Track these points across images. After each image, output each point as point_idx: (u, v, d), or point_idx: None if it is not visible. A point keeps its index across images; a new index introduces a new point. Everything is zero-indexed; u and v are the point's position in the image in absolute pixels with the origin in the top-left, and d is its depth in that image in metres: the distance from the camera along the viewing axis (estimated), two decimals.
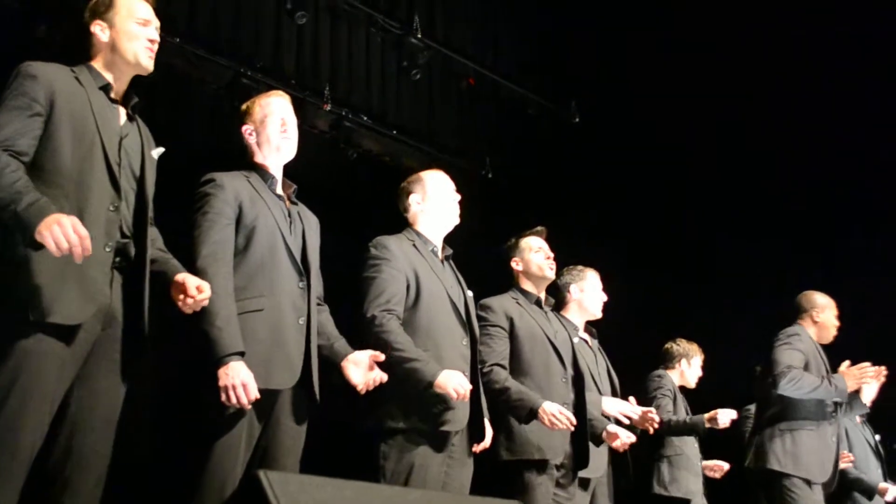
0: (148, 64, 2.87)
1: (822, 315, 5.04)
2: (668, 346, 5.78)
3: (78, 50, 2.88)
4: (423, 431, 3.39)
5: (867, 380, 4.75)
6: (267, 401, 2.93)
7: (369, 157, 6.72)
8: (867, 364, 4.74)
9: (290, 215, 3.21)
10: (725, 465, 5.50)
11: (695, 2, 7.51)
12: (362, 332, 3.45)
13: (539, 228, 4.43)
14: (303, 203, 3.35)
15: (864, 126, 6.99)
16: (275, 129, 3.25)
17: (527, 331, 4.13)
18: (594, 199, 7.79)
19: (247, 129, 3.29)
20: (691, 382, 5.69)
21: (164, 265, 2.85)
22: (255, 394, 2.84)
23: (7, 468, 2.42)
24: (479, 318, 3.91)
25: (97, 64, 2.84)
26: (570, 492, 4.16)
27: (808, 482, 4.69)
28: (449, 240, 3.85)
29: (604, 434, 4.34)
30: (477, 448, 3.66)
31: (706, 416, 5.13)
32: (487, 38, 7.59)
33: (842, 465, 5.11)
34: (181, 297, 2.74)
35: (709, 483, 5.56)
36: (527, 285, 4.33)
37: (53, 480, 2.57)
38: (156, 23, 2.92)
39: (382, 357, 3.19)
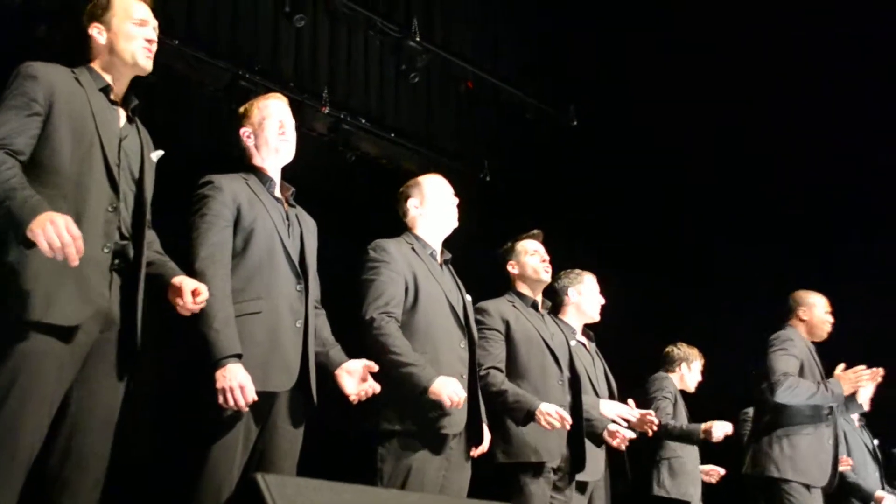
0: (146, 64, 2.87)
1: (810, 313, 5.00)
2: (668, 349, 5.79)
3: (78, 51, 2.88)
4: (421, 434, 3.39)
5: (863, 383, 4.73)
6: (264, 403, 2.93)
7: (367, 160, 6.72)
8: (862, 367, 4.72)
9: (288, 218, 3.21)
10: (721, 471, 5.50)
11: (693, 5, 7.51)
12: (360, 334, 3.45)
13: (535, 232, 4.43)
14: (300, 206, 3.35)
15: (861, 130, 6.99)
16: (273, 131, 3.25)
17: (523, 334, 4.14)
18: (592, 203, 7.80)
19: (245, 131, 3.28)
20: (691, 387, 5.70)
21: (161, 268, 2.85)
22: (252, 396, 2.84)
23: (6, 469, 2.42)
24: (476, 322, 3.91)
25: (96, 66, 2.84)
26: (567, 495, 4.17)
27: (807, 486, 4.69)
28: (447, 243, 3.86)
29: (605, 433, 4.34)
30: (475, 452, 3.66)
31: (703, 426, 5.12)
32: (486, 42, 7.59)
33: (840, 469, 5.10)
34: (178, 300, 2.74)
35: (706, 488, 5.56)
36: (523, 288, 4.34)
37: (52, 481, 2.57)
38: (153, 23, 2.92)
39: (376, 368, 3.18)
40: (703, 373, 5.83)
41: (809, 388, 4.68)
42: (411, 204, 3.79)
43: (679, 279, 7.52)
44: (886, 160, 6.79)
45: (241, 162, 3.29)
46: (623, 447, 4.42)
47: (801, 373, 4.76)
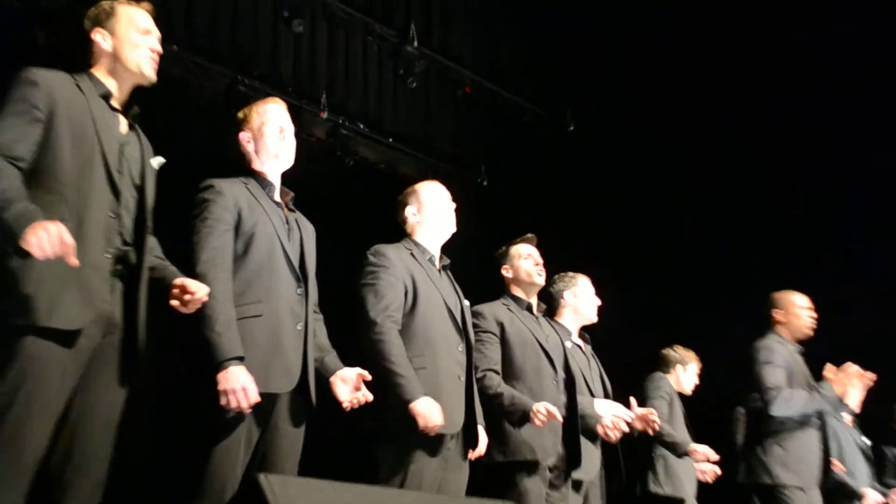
0: (151, 74, 2.89)
1: (787, 313, 4.99)
2: (665, 351, 5.81)
3: (78, 56, 2.89)
4: (419, 436, 3.40)
5: (854, 381, 4.74)
6: (266, 405, 2.94)
7: (366, 165, 6.74)
8: (850, 365, 4.72)
9: (287, 222, 3.22)
10: (718, 469, 5.51)
11: (692, 5, 7.49)
12: (360, 336, 3.48)
13: (529, 236, 4.46)
14: (299, 210, 3.36)
15: (861, 130, 6.98)
16: (273, 136, 3.27)
17: (517, 336, 4.17)
18: (590, 205, 7.81)
19: (244, 136, 3.30)
20: (687, 389, 5.72)
21: (162, 271, 2.86)
22: (255, 397, 2.86)
23: (11, 473, 2.43)
24: (472, 325, 3.94)
25: (98, 72, 2.85)
26: (563, 492, 4.19)
27: (802, 489, 4.70)
28: (447, 247, 3.88)
29: (598, 428, 4.37)
30: (472, 454, 3.69)
31: (690, 445, 5.11)
32: (483, 47, 7.62)
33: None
34: (184, 296, 2.75)
35: (703, 492, 5.57)
36: (517, 292, 4.37)
37: (54, 483, 2.58)
38: (156, 33, 2.93)
39: (370, 377, 3.21)
40: (702, 374, 5.84)
41: (803, 397, 4.68)
42: (409, 212, 3.83)
43: (678, 280, 7.51)
44: (886, 160, 6.79)
45: (240, 166, 3.30)
46: (615, 437, 4.43)
47: (789, 381, 4.76)
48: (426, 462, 3.44)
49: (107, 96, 2.82)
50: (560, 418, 3.95)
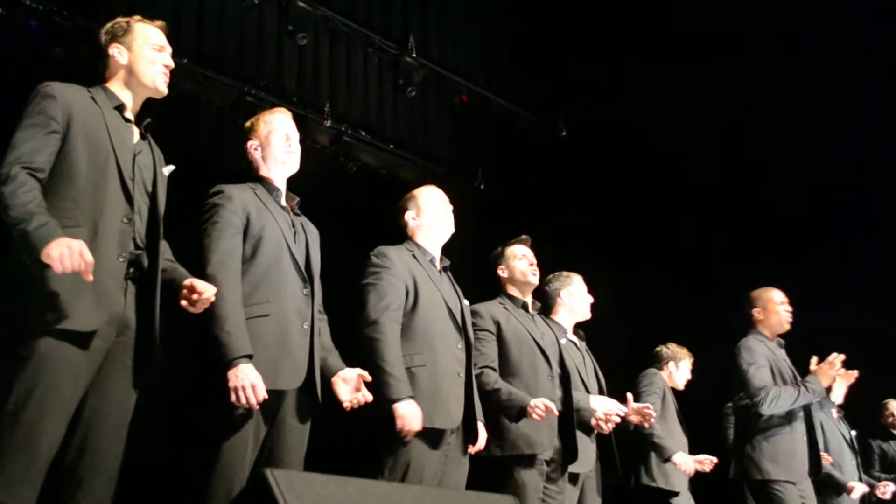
0: (164, 88, 2.92)
1: (764, 310, 4.95)
2: (658, 348, 5.79)
3: (93, 71, 2.90)
4: (421, 430, 3.40)
5: (839, 371, 4.72)
6: (273, 401, 2.94)
7: (367, 171, 6.75)
8: (835, 355, 4.71)
9: (294, 226, 3.23)
10: (714, 459, 5.50)
11: (687, 9, 7.41)
12: (360, 333, 3.49)
13: (523, 237, 4.46)
14: (304, 214, 3.37)
15: (861, 130, 6.91)
16: (279, 144, 3.28)
17: (513, 334, 4.16)
18: (583, 207, 7.81)
19: (252, 144, 3.31)
20: (680, 385, 5.70)
21: (172, 273, 2.86)
22: (263, 394, 2.86)
23: (26, 470, 2.43)
24: None
25: (113, 85, 2.87)
26: (560, 486, 4.19)
27: (793, 482, 4.68)
28: (446, 249, 3.88)
29: (592, 420, 4.37)
30: (472, 449, 3.68)
31: (675, 456, 5.07)
32: (479, 57, 7.63)
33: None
34: (192, 296, 2.76)
35: (699, 489, 5.55)
36: (513, 291, 4.36)
37: (68, 480, 2.58)
38: (169, 49, 2.96)
39: (370, 378, 3.21)
40: (700, 371, 5.80)
41: (791, 393, 4.66)
42: (409, 216, 3.83)
43: (674, 278, 7.49)
44: (886, 160, 6.74)
45: (247, 173, 3.31)
46: (608, 429, 4.42)
47: (773, 378, 4.75)
48: (427, 457, 3.43)
49: (121, 108, 2.84)
50: (556, 413, 3.95)
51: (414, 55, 6.87)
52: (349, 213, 6.23)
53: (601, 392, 4.69)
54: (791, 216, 7.20)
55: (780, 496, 4.63)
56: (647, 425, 4.70)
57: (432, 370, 3.51)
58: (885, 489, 6.21)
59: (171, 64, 2.94)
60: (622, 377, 5.15)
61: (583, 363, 4.68)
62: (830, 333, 5.02)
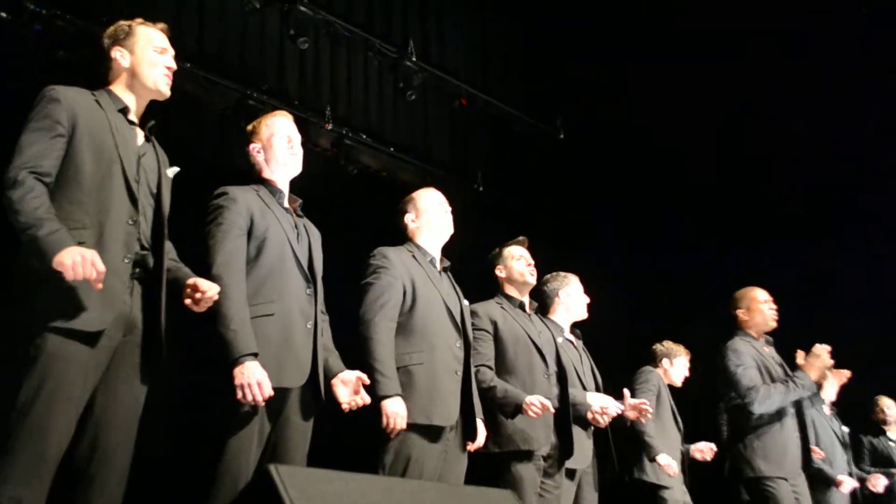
0: (166, 90, 2.91)
1: (748, 310, 4.94)
2: (654, 346, 5.80)
3: (96, 74, 2.90)
4: (419, 427, 3.41)
5: (828, 362, 4.70)
6: (277, 399, 2.95)
7: (368, 173, 6.75)
8: (819, 347, 4.69)
9: (296, 227, 3.23)
10: (714, 446, 5.50)
11: (684, 9, 7.42)
12: (358, 332, 3.49)
13: (520, 238, 4.46)
14: (306, 215, 3.37)
15: (861, 130, 6.90)
16: (282, 146, 3.28)
17: (510, 333, 4.16)
18: (579, 208, 7.82)
19: (254, 147, 3.30)
20: (676, 381, 5.69)
21: (176, 272, 2.87)
22: (268, 391, 2.86)
23: (36, 467, 2.43)
24: None
25: (116, 88, 2.87)
26: (557, 481, 4.20)
27: (785, 478, 4.68)
28: (445, 249, 3.88)
29: (588, 414, 4.37)
30: (471, 446, 3.68)
31: (659, 457, 5.05)
32: (477, 61, 7.63)
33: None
34: (196, 295, 2.76)
35: (697, 485, 5.54)
36: (510, 291, 4.36)
37: (80, 478, 2.59)
38: (171, 51, 2.95)
39: (368, 381, 3.22)
40: (700, 368, 5.78)
41: (780, 390, 4.65)
42: (408, 218, 3.84)
43: (673, 277, 7.49)
44: (887, 160, 6.72)
45: (249, 175, 3.31)
46: (604, 422, 4.42)
47: (761, 376, 4.74)
48: (426, 453, 3.44)
49: (125, 111, 2.83)
50: (552, 409, 3.95)
51: (414, 59, 6.87)
52: (350, 214, 6.23)
53: (598, 389, 4.69)
54: (789, 215, 7.18)
55: (773, 492, 4.63)
56: (643, 420, 4.71)
57: (430, 368, 3.52)
58: (877, 482, 6.21)
59: (173, 65, 2.94)
60: (620, 376, 5.15)
61: (580, 361, 4.69)
62: (824, 331, 4.98)
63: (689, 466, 5.49)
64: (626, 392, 4.67)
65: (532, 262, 4.39)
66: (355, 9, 6.69)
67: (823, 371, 4.76)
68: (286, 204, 3.27)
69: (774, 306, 4.95)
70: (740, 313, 4.97)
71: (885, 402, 6.79)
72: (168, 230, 2.86)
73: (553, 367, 4.24)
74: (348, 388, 3.19)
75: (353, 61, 6.68)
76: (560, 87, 8.06)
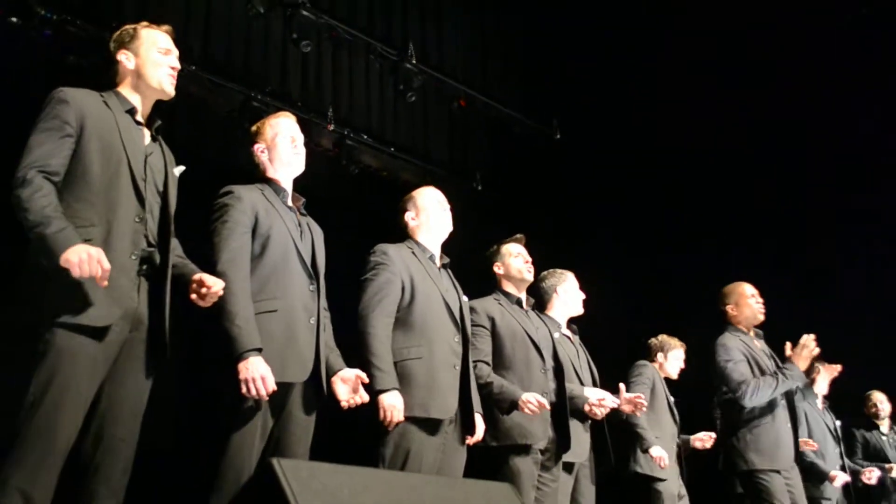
0: (170, 90, 2.93)
1: (736, 305, 4.94)
2: (649, 340, 5.80)
3: (105, 77, 2.92)
4: (418, 420, 3.42)
5: (814, 350, 4.69)
6: (280, 394, 2.95)
7: (369, 172, 6.76)
8: (806, 337, 4.68)
9: (300, 225, 3.24)
10: (713, 434, 5.50)
11: (688, 6, 7.41)
12: (357, 327, 3.50)
13: (518, 236, 4.46)
14: (308, 214, 3.37)
15: (861, 129, 6.86)
16: (285, 146, 3.29)
17: (507, 329, 4.16)
18: (576, 206, 7.81)
19: (258, 147, 3.31)
20: (672, 374, 5.69)
21: (182, 269, 2.88)
22: (272, 386, 2.87)
23: (44, 462, 2.44)
24: None
25: (123, 89, 2.89)
26: (555, 474, 4.19)
27: (777, 471, 4.68)
28: (444, 247, 3.89)
29: (585, 407, 4.37)
30: (470, 440, 3.68)
31: (652, 450, 5.06)
32: (476, 63, 7.63)
33: (802, 450, 5.11)
34: (201, 290, 2.77)
35: (694, 479, 5.54)
36: (508, 287, 4.36)
37: (85, 468, 2.60)
38: (176, 52, 2.97)
39: (367, 380, 3.22)
40: (692, 362, 5.78)
41: (770, 383, 4.65)
42: (408, 216, 3.84)
43: (674, 277, 7.47)
44: (886, 160, 6.70)
45: (253, 175, 3.32)
46: (600, 414, 4.42)
47: (751, 370, 4.74)
48: (425, 446, 3.44)
49: (132, 111, 2.85)
50: (548, 407, 3.95)
51: (413, 62, 6.88)
52: (352, 213, 6.23)
53: (595, 384, 4.70)
54: (788, 215, 7.16)
55: (766, 485, 4.62)
56: (638, 414, 4.71)
57: (428, 362, 3.51)
58: (871, 474, 6.22)
59: (178, 66, 2.95)
60: (616, 372, 5.14)
61: (577, 356, 4.69)
62: (819, 327, 4.98)
63: (687, 459, 5.50)
64: (622, 386, 4.69)
65: (529, 259, 4.39)
66: (356, 13, 6.71)
67: (811, 360, 4.75)
68: (290, 202, 3.28)
69: (761, 300, 4.96)
70: (729, 308, 4.98)
71: (877, 396, 6.79)
72: (174, 227, 2.87)
73: (550, 363, 4.24)
74: (347, 387, 3.19)
75: (355, 64, 6.69)
76: (558, 88, 8.06)
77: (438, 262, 3.79)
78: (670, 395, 5.54)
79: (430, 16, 7.29)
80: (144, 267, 2.72)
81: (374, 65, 6.82)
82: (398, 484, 2.75)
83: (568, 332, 4.79)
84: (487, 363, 4.05)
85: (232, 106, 5.83)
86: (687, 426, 5.62)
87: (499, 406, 3.94)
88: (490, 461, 3.97)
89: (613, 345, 5.82)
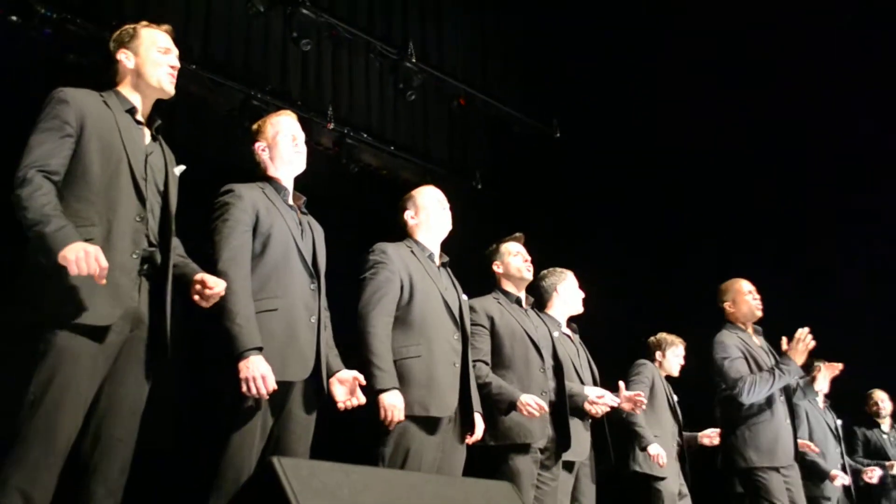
0: (170, 89, 2.92)
1: (733, 301, 4.95)
2: (648, 339, 5.80)
3: (105, 76, 2.92)
4: (417, 418, 3.41)
5: (810, 343, 4.68)
6: (281, 393, 2.95)
7: (369, 171, 6.76)
8: (801, 331, 4.67)
9: (301, 224, 3.23)
10: (717, 430, 5.50)
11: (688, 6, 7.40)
12: (356, 327, 3.49)
13: (517, 234, 4.46)
14: (309, 212, 3.37)
15: (861, 129, 6.85)
16: (286, 144, 3.29)
17: (507, 328, 4.15)
18: (575, 206, 7.81)
19: (259, 145, 3.31)
20: (673, 371, 5.68)
21: (184, 268, 2.87)
22: (272, 385, 2.86)
23: (44, 461, 2.44)
24: None
25: (123, 89, 2.88)
26: (555, 473, 4.18)
27: (776, 469, 4.67)
28: (443, 246, 3.88)
29: (585, 405, 4.37)
30: (469, 439, 3.67)
31: (650, 448, 5.05)
32: (476, 62, 7.63)
33: (803, 450, 5.11)
34: (204, 291, 2.77)
35: (697, 478, 5.54)
36: (507, 286, 4.35)
37: (83, 467, 2.59)
38: (175, 51, 2.96)
39: (365, 382, 3.21)
40: (694, 361, 5.77)
41: (766, 378, 4.65)
42: (407, 215, 3.84)
43: (674, 276, 7.47)
44: (886, 160, 6.70)
45: (254, 173, 3.31)
46: (600, 412, 4.42)
47: (749, 366, 4.74)
48: (425, 444, 3.43)
49: (132, 111, 2.84)
50: (547, 409, 3.94)
51: (413, 60, 6.87)
52: (352, 212, 6.23)
53: (595, 383, 4.69)
54: (788, 215, 7.15)
55: (763, 483, 4.62)
56: (637, 412, 4.71)
57: (428, 360, 3.51)
58: (872, 474, 6.22)
59: (177, 65, 2.95)
60: (616, 371, 5.14)
61: (577, 355, 4.68)
62: (820, 325, 4.97)
63: (690, 457, 5.50)
64: (622, 384, 4.69)
65: (529, 258, 4.39)
66: (357, 12, 6.70)
67: (809, 355, 4.74)
68: (290, 201, 3.27)
69: (758, 296, 4.96)
70: (727, 306, 4.99)
71: (878, 395, 6.79)
72: (175, 226, 2.87)
73: (549, 362, 4.23)
74: (345, 388, 3.19)
75: (355, 63, 6.69)
76: (558, 87, 8.06)
77: (437, 261, 3.79)
78: (672, 394, 5.54)
79: (430, 15, 7.29)
80: (145, 266, 2.72)
81: (374, 64, 6.82)
82: (398, 483, 2.74)
83: (568, 331, 4.78)
84: (486, 363, 4.04)
85: (232, 105, 5.83)
86: (690, 425, 5.61)
87: (497, 407, 3.93)
88: (489, 461, 3.96)
89: (613, 344, 5.81)
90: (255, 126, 3.38)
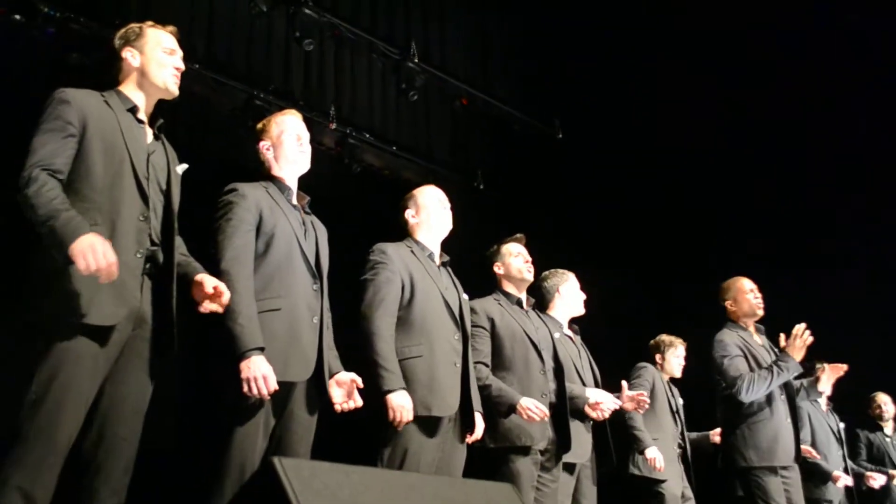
0: (174, 89, 2.92)
1: (735, 300, 4.94)
2: (649, 342, 5.79)
3: (107, 75, 2.90)
4: (419, 419, 3.40)
5: (807, 339, 4.66)
6: (282, 393, 2.94)
7: (371, 171, 6.75)
8: (798, 327, 4.66)
9: (304, 224, 3.22)
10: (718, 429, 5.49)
11: (687, 7, 7.38)
12: (360, 328, 3.48)
13: (518, 235, 4.44)
14: (312, 212, 3.36)
15: (860, 129, 6.86)
16: (291, 144, 3.27)
17: (507, 329, 4.13)
18: (576, 206, 7.80)
19: (264, 144, 3.30)
20: (675, 372, 5.68)
21: (186, 267, 2.87)
22: (274, 385, 2.85)
23: (45, 460, 2.43)
24: None
25: (126, 87, 2.87)
26: (555, 475, 4.17)
27: (775, 469, 4.65)
28: (444, 246, 3.87)
29: (586, 407, 4.35)
30: (469, 439, 3.66)
31: (647, 451, 5.03)
32: (478, 62, 7.63)
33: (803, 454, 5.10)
34: (219, 298, 2.77)
35: (699, 478, 5.52)
36: (508, 287, 4.34)
37: (87, 466, 2.58)
38: (180, 52, 2.96)
39: (362, 384, 3.20)
40: (697, 361, 5.75)
41: (765, 376, 4.63)
42: (408, 214, 3.83)
43: (674, 276, 7.46)
44: (886, 160, 6.69)
45: (257, 173, 3.30)
46: (602, 415, 4.41)
47: (748, 364, 4.73)
48: (424, 444, 3.43)
49: (134, 110, 2.83)
50: (547, 414, 3.93)
51: (415, 61, 6.86)
52: (354, 211, 6.21)
53: (596, 384, 4.68)
54: (788, 215, 7.14)
55: (761, 483, 4.60)
56: (640, 412, 4.69)
57: (429, 360, 3.50)
58: (875, 480, 6.20)
59: (182, 66, 2.95)
60: (618, 372, 5.12)
61: (578, 356, 4.67)
62: (823, 326, 4.96)
63: (693, 459, 5.48)
64: (624, 384, 4.67)
65: (530, 258, 4.37)
66: (359, 12, 6.69)
67: (805, 350, 4.72)
68: (294, 201, 3.26)
69: (760, 294, 4.95)
70: (728, 304, 4.98)
71: (882, 398, 6.78)
72: (178, 225, 2.86)
73: (550, 363, 4.22)
74: (342, 390, 3.18)
75: (357, 63, 6.68)
76: (559, 87, 8.05)
77: (438, 261, 3.78)
78: (675, 397, 5.52)
79: (433, 15, 7.28)
80: (148, 266, 2.71)
81: (376, 64, 6.81)
82: (399, 483, 2.73)
83: (569, 333, 4.77)
84: (486, 365, 4.03)
85: (235, 104, 5.82)
86: (691, 425, 5.60)
87: (497, 409, 3.91)
88: (489, 462, 3.95)
89: (614, 345, 5.80)
90: (259, 125, 3.37)
